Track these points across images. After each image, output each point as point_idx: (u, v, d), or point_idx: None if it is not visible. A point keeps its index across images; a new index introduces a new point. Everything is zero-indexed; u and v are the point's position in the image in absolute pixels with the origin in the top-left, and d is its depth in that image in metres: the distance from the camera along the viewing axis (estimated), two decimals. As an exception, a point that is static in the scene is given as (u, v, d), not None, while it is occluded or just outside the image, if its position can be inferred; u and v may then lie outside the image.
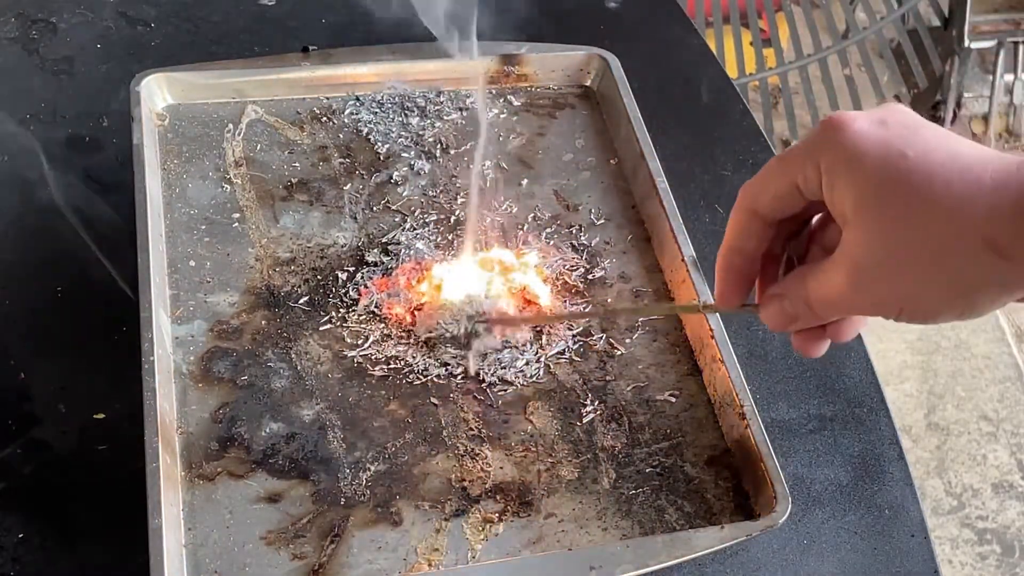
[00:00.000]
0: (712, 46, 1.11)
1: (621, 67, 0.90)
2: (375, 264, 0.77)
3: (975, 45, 2.03)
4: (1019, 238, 0.40)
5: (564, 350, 0.74)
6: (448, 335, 0.72)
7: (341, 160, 0.84)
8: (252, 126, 0.85)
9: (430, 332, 0.72)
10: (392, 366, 0.71)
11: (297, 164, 0.84)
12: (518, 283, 0.76)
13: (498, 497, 0.66)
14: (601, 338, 0.75)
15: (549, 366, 0.73)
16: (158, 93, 0.84)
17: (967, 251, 0.41)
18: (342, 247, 0.78)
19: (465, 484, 0.66)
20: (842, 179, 0.44)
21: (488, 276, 0.76)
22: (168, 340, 0.70)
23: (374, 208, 0.81)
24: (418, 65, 0.89)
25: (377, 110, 0.88)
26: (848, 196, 0.43)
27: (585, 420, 0.71)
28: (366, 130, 0.86)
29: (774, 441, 0.68)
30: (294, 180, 0.82)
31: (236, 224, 0.79)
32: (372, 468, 0.67)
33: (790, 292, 0.49)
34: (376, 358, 0.72)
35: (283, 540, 0.63)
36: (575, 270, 0.79)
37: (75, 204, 0.84)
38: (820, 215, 0.51)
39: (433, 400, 0.70)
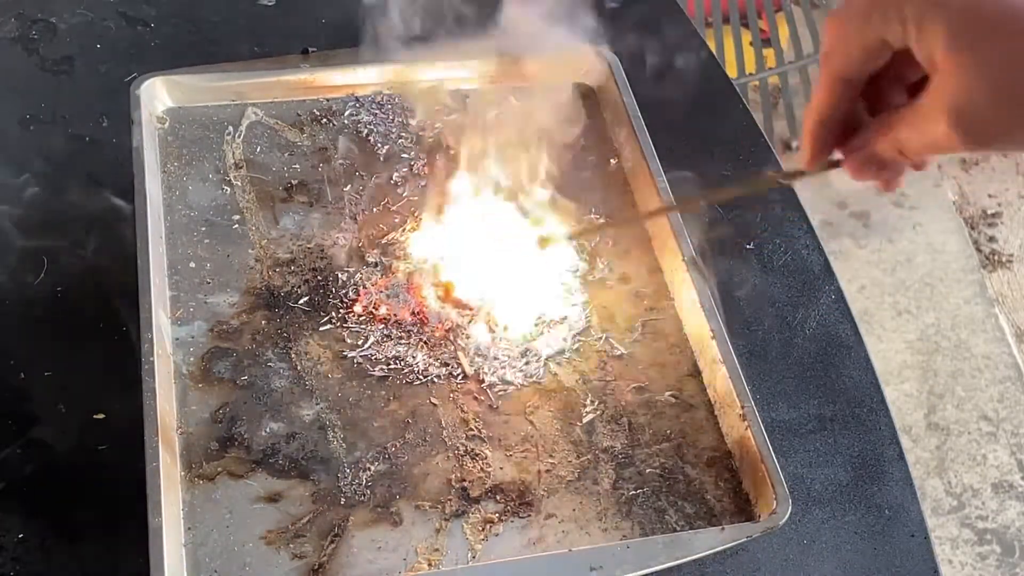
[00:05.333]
0: (712, 46, 1.10)
1: (621, 67, 0.90)
2: (375, 264, 0.77)
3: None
4: None
5: (564, 350, 0.74)
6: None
7: (341, 161, 0.84)
8: (252, 128, 0.85)
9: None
10: (392, 366, 0.72)
11: (297, 166, 0.83)
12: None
13: (498, 497, 0.66)
14: (601, 338, 0.75)
15: (549, 366, 0.73)
16: (158, 96, 0.84)
17: None
18: (342, 248, 0.78)
19: (465, 484, 0.66)
20: (930, 23, 0.43)
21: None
22: (168, 341, 0.70)
23: (374, 209, 0.81)
24: (418, 65, 0.88)
25: (377, 111, 0.88)
26: (938, 40, 0.43)
27: (585, 420, 0.71)
28: (366, 131, 0.86)
29: (774, 441, 0.68)
30: (294, 181, 0.82)
31: (236, 225, 0.79)
32: (372, 468, 0.67)
33: (878, 143, 0.50)
34: (376, 358, 0.72)
35: (283, 540, 0.63)
36: (575, 270, 0.79)
37: (75, 204, 0.84)
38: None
39: (433, 400, 0.70)
